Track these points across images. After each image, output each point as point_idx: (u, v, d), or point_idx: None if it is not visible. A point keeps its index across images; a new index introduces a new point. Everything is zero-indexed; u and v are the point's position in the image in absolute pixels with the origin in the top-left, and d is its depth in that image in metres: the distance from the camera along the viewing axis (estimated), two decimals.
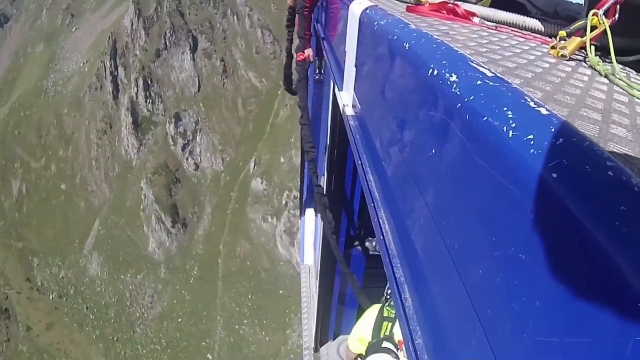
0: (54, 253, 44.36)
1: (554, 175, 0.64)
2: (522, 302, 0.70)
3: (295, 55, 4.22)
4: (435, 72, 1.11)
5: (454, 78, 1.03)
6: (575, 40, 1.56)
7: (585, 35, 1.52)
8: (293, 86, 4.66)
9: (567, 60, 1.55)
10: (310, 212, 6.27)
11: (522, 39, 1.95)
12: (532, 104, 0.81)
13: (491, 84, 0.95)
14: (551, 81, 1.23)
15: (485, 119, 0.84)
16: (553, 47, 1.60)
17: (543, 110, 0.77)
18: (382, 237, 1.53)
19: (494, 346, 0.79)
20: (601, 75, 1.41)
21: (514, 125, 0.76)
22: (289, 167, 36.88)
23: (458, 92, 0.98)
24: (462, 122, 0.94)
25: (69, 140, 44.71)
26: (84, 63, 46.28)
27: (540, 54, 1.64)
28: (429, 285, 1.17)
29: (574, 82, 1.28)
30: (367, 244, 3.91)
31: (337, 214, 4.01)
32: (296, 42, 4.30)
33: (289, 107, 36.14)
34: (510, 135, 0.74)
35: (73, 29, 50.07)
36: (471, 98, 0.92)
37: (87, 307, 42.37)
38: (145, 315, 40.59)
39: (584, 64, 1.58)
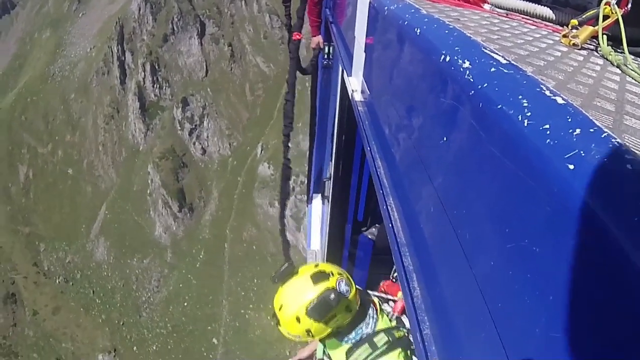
0: (61, 238, 44.57)
1: (571, 167, 0.62)
2: (535, 296, 0.68)
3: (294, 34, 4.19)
4: (448, 58, 1.07)
5: (466, 65, 0.98)
6: (587, 30, 1.53)
7: (597, 24, 1.49)
8: (302, 65, 4.66)
9: (579, 49, 1.52)
10: (317, 198, 6.23)
11: (533, 27, 1.90)
12: (547, 92, 0.78)
13: (505, 71, 0.91)
14: (564, 70, 1.16)
15: (499, 107, 0.80)
16: (565, 36, 1.56)
17: (559, 100, 0.75)
18: (390, 225, 1.48)
19: (505, 340, 0.76)
20: (613, 65, 1.38)
21: (529, 114, 0.74)
22: (297, 152, 36.79)
23: (471, 79, 0.94)
24: (476, 109, 0.90)
25: (76, 126, 44.78)
26: (91, 48, 46.25)
27: (552, 42, 1.59)
28: (438, 275, 1.13)
29: (586, 72, 1.21)
30: (372, 229, 3.85)
31: (344, 200, 3.96)
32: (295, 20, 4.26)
33: (297, 92, 36.02)
34: (525, 124, 0.73)
35: (80, 15, 50.01)
36: (485, 85, 0.88)
37: (93, 292, 42.62)
38: (152, 299, 40.79)
39: (595, 53, 1.54)
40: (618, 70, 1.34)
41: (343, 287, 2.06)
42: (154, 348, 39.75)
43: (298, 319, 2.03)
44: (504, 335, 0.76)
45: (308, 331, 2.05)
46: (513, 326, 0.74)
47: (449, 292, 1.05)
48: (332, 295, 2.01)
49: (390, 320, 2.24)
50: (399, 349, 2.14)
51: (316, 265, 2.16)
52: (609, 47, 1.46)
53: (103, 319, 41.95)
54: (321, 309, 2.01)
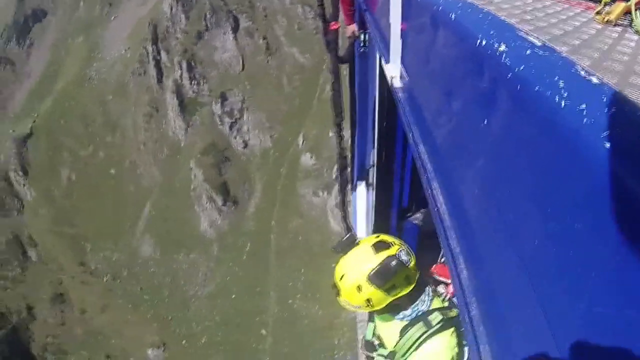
0: (106, 237, 45.44)
1: (607, 145, 0.61)
2: (578, 273, 0.67)
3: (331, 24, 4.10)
4: (484, 42, 1.06)
5: (502, 48, 0.98)
6: (620, 6, 1.51)
7: (630, 0, 1.47)
8: (339, 54, 4.60)
9: (613, 26, 1.50)
10: (361, 186, 6.19)
11: (566, 5, 1.88)
12: (582, 73, 0.79)
13: (541, 53, 0.90)
14: (598, 48, 1.15)
15: (536, 89, 0.80)
16: (598, 13, 1.56)
17: (594, 79, 0.76)
18: (435, 209, 1.50)
19: (549, 316, 0.77)
20: None
21: (565, 95, 0.74)
22: (338, 141, 36.85)
23: (508, 63, 0.93)
24: (513, 92, 0.90)
25: (115, 127, 45.59)
26: (125, 50, 46.97)
27: (586, 20, 1.58)
28: (484, 256, 1.15)
29: (621, 49, 1.26)
30: (418, 215, 3.78)
31: (388, 186, 3.93)
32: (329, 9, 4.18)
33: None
34: (562, 105, 0.73)
35: (112, 18, 50.80)
36: (521, 68, 0.87)
37: (140, 288, 43.31)
38: (199, 293, 41.33)
39: (629, 29, 1.52)
40: None
41: (404, 257, 2.09)
42: (203, 341, 40.25)
43: (359, 288, 2.06)
44: (549, 313, 0.77)
45: (368, 300, 2.07)
46: (557, 303, 0.75)
47: (495, 273, 1.06)
48: (394, 262, 2.04)
49: (443, 302, 2.26)
50: (453, 328, 2.14)
51: (377, 236, 2.21)
52: None
53: (151, 314, 42.61)
54: (382, 276, 2.03)
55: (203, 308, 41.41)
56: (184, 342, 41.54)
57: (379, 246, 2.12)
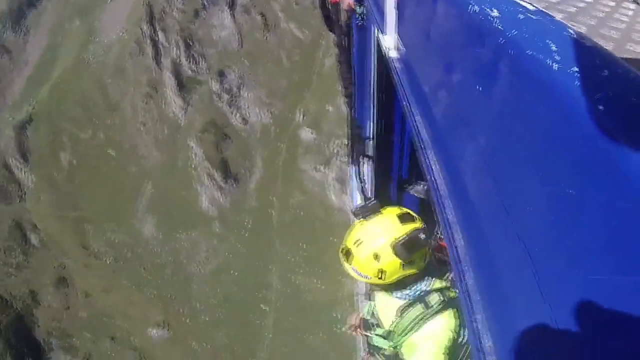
0: (108, 219, 45.50)
1: (601, 107, 0.61)
2: (574, 239, 0.66)
3: None
4: (477, 8, 1.05)
5: (495, 13, 0.97)
6: None
7: None
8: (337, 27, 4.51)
9: None
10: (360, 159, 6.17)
11: None
12: (575, 36, 0.78)
13: (534, 17, 0.91)
14: (595, 16, 1.13)
15: (529, 53, 0.80)
16: None
17: (587, 42, 0.75)
18: (432, 178, 1.48)
19: (545, 286, 0.76)
20: None
21: (558, 58, 0.73)
22: (337, 115, 36.77)
23: (500, 27, 0.93)
24: (506, 57, 0.89)
25: (114, 109, 45.52)
26: (123, 32, 46.77)
27: None
28: (480, 225, 1.13)
29: (618, 17, 1.17)
30: (418, 187, 3.77)
31: (387, 158, 3.90)
32: None
33: (334, 55, 35.81)
34: (555, 68, 0.72)
35: (108, 1, 50.56)
36: (514, 33, 0.88)
37: (143, 269, 43.42)
38: (202, 271, 41.51)
39: None
40: None
41: (426, 234, 2.04)
42: (206, 319, 40.45)
43: (377, 256, 1.97)
44: (545, 280, 0.76)
45: (381, 272, 1.98)
46: (552, 271, 0.74)
47: (491, 242, 1.05)
48: (423, 235, 1.98)
49: (444, 281, 2.22)
50: (452, 309, 2.08)
51: (400, 208, 2.14)
52: None
53: (155, 294, 42.75)
54: (409, 247, 1.95)
55: (206, 286, 41.60)
56: (187, 320, 41.76)
57: (405, 218, 2.04)
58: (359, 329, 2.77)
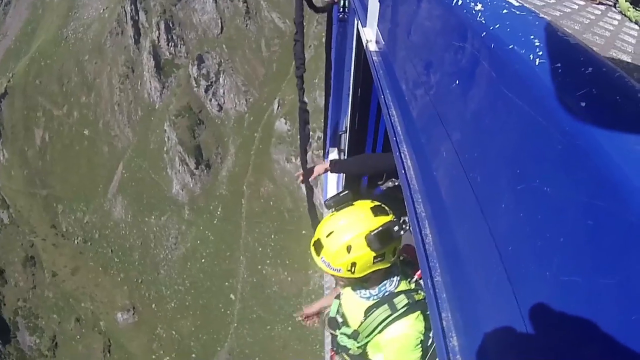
0: (79, 199, 45.01)
1: (583, 104, 0.59)
2: (546, 238, 0.65)
3: None
4: (460, 1, 1.03)
5: (478, 7, 0.96)
6: None
7: None
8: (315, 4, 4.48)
9: (597, 4, 1.49)
10: (333, 153, 6.13)
11: None
12: (559, 32, 0.76)
13: (517, 12, 0.88)
14: (580, 22, 1.12)
15: (510, 47, 0.79)
16: None
17: (571, 40, 0.73)
18: (403, 172, 1.44)
19: (515, 285, 0.74)
20: (631, 21, 1.34)
21: (540, 53, 0.72)
22: (313, 107, 36.63)
23: (483, 21, 0.91)
24: (487, 51, 0.87)
25: (91, 87, 44.83)
26: (103, 9, 46.00)
27: None
28: (450, 220, 1.10)
29: (603, 25, 1.20)
30: (389, 184, 3.75)
31: (360, 153, 3.86)
32: None
33: (313, 47, 35.65)
34: (537, 63, 0.70)
35: None
36: (497, 26, 0.86)
37: (111, 251, 43.15)
38: (169, 256, 41.32)
39: (613, 9, 1.51)
40: (636, 27, 1.29)
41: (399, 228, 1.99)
42: (172, 305, 40.38)
43: (349, 248, 1.93)
44: (515, 279, 0.74)
45: (352, 264, 1.96)
46: (524, 270, 0.72)
47: (461, 238, 1.02)
48: (397, 227, 1.92)
49: (409, 283, 2.16)
50: (418, 312, 2.07)
51: (372, 201, 2.08)
52: (628, 3, 1.42)
53: (122, 277, 42.54)
54: (383, 238, 1.92)
55: (173, 271, 41.43)
56: (153, 305, 41.60)
57: (378, 210, 2.00)
58: (310, 320, 2.78)
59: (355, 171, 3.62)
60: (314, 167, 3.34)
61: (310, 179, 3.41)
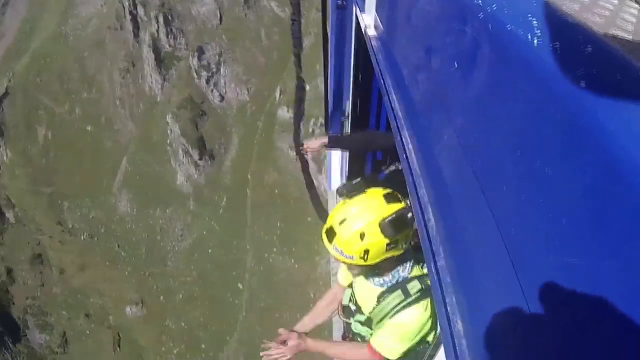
0: (84, 194, 45.08)
1: (583, 83, 0.58)
2: (549, 220, 0.63)
3: None
4: None
5: None
6: None
7: None
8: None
9: None
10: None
11: None
12: (558, 12, 0.75)
13: None
14: (580, 1, 1.10)
15: (509, 27, 0.77)
16: None
17: (570, 19, 0.72)
18: (405, 156, 1.44)
19: (518, 267, 0.72)
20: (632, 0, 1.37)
21: (539, 33, 0.70)
22: (315, 95, 36.64)
23: (480, 2, 0.89)
24: (485, 32, 0.86)
25: (92, 83, 44.84)
26: (102, 5, 45.95)
27: None
28: (453, 204, 1.09)
29: (603, 4, 1.17)
30: (392, 167, 3.79)
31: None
32: None
33: (313, 35, 35.53)
34: (535, 43, 0.69)
35: None
36: (494, 7, 0.84)
37: (118, 245, 43.25)
38: (176, 248, 41.43)
39: None
40: (637, 6, 1.28)
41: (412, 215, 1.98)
42: (180, 296, 40.48)
43: (362, 236, 1.92)
44: (518, 262, 0.73)
45: (366, 252, 1.94)
46: (526, 252, 0.71)
47: (463, 222, 1.02)
48: (410, 214, 1.91)
49: (421, 268, 2.17)
50: (430, 299, 2.07)
51: (384, 189, 2.09)
52: None
53: (129, 271, 42.64)
54: (397, 225, 1.91)
55: (180, 263, 41.51)
56: (161, 298, 41.70)
57: (391, 197, 1.99)
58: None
59: (352, 146, 3.62)
60: (311, 140, 3.34)
61: (308, 153, 3.39)
